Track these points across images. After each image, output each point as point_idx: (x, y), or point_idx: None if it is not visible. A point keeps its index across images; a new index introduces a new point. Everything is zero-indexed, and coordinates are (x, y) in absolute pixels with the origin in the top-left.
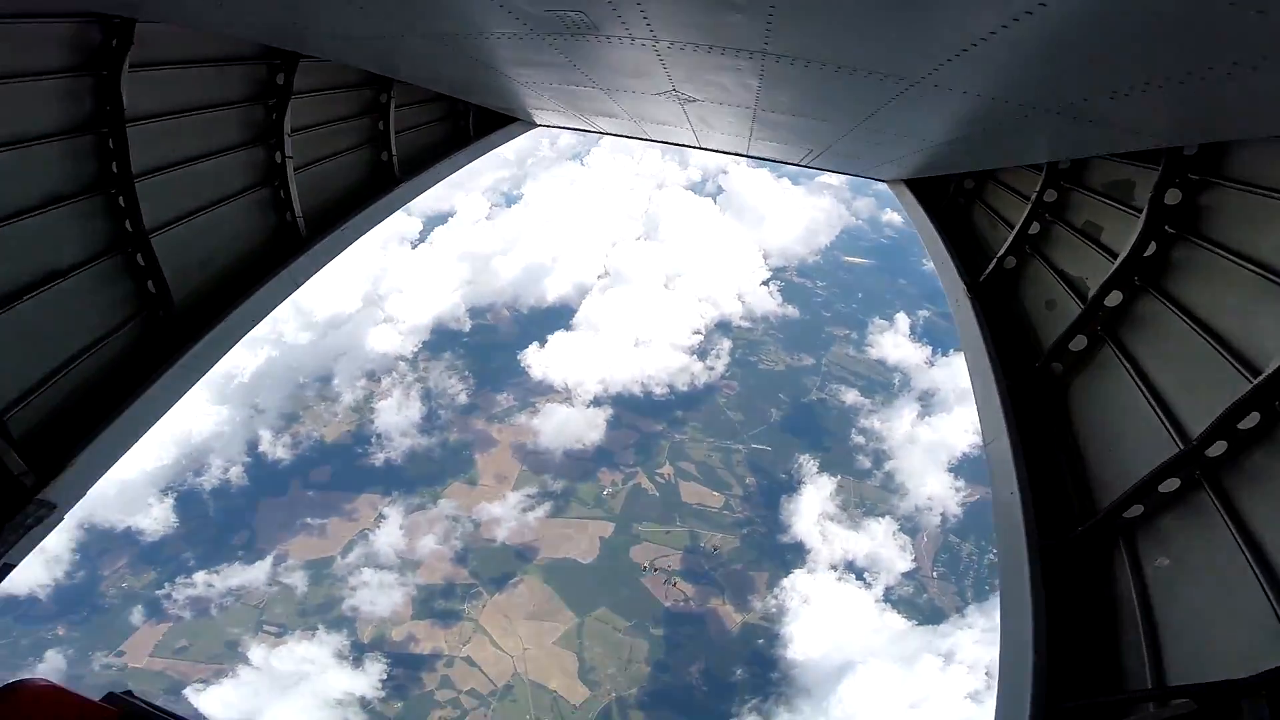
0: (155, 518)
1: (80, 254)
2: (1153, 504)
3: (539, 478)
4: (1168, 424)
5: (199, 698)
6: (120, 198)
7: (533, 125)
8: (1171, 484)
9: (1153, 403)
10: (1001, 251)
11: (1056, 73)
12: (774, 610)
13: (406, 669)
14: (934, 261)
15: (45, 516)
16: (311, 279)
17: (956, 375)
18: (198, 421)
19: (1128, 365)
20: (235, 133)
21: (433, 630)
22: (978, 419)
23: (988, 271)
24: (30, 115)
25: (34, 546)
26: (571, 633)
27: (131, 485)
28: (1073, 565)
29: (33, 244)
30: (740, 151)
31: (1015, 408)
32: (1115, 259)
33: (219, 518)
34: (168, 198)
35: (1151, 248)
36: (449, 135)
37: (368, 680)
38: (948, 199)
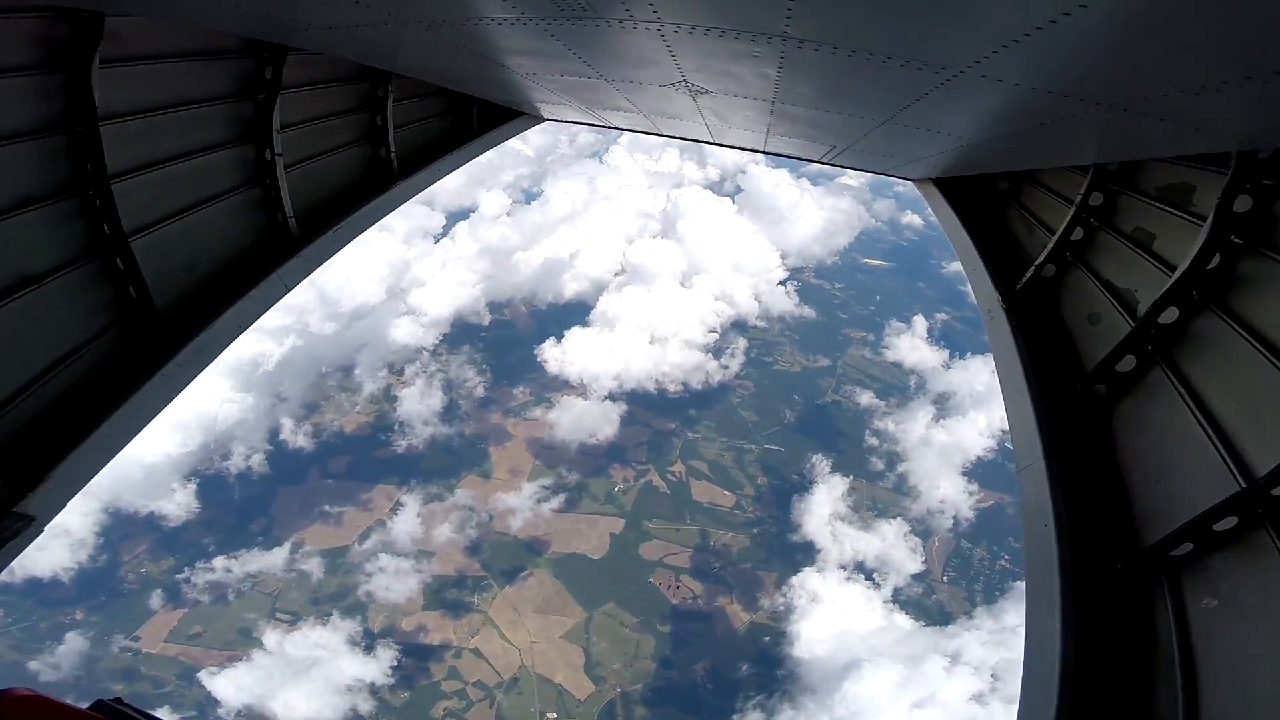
0: (178, 503)
1: (56, 259)
2: (1204, 542)
3: (552, 472)
4: (1227, 457)
5: (213, 681)
6: (97, 199)
7: (540, 120)
8: (1228, 522)
9: (1210, 433)
10: (1040, 259)
11: (1133, 64)
12: (782, 608)
13: (415, 659)
14: (965, 268)
15: (22, 530)
16: (304, 281)
17: (973, 378)
18: (223, 408)
19: (1182, 390)
20: (221, 130)
21: (443, 621)
22: (1010, 438)
23: (1024, 280)
24: None
25: (11, 560)
26: (579, 627)
27: (156, 470)
28: (1108, 603)
29: (5, 249)
30: (757, 148)
31: (1052, 432)
32: (1171, 271)
33: (239, 504)
34: (150, 199)
35: (1215, 260)
36: (451, 130)
37: (378, 667)
38: (980, 200)
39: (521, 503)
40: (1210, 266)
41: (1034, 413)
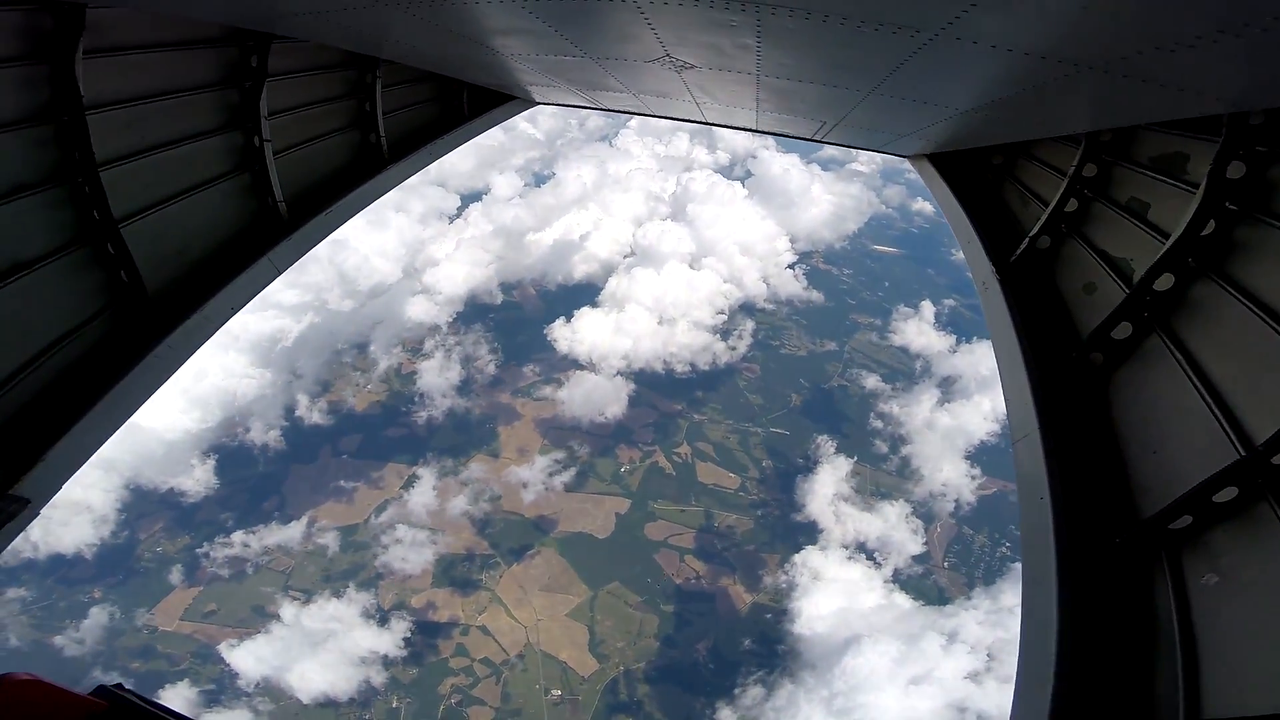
0: (197, 479)
1: (48, 244)
2: (1204, 515)
3: (560, 449)
4: (1226, 425)
5: (231, 653)
6: (86, 186)
7: (531, 103)
8: (1228, 493)
9: (1209, 400)
10: (1034, 230)
11: (1109, 20)
12: (784, 586)
13: (424, 636)
14: (960, 242)
15: (18, 512)
16: (294, 264)
17: (978, 362)
18: (242, 384)
19: (1179, 357)
20: (210, 117)
21: (451, 598)
22: (1005, 412)
23: (1019, 252)
24: None
25: (9, 542)
26: (584, 606)
27: (176, 447)
28: (1105, 579)
29: None
30: (749, 126)
31: (1047, 402)
32: (1166, 239)
33: (255, 481)
34: (139, 185)
35: (1210, 226)
36: (442, 115)
37: (391, 639)
38: (974, 175)
39: (529, 480)
40: (1205, 233)
41: (1029, 383)
